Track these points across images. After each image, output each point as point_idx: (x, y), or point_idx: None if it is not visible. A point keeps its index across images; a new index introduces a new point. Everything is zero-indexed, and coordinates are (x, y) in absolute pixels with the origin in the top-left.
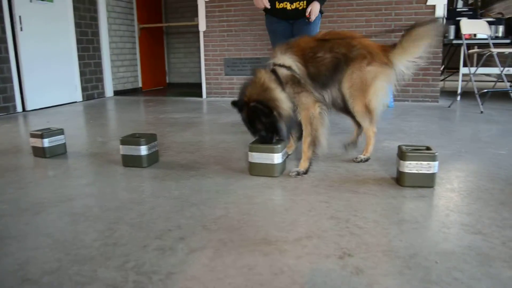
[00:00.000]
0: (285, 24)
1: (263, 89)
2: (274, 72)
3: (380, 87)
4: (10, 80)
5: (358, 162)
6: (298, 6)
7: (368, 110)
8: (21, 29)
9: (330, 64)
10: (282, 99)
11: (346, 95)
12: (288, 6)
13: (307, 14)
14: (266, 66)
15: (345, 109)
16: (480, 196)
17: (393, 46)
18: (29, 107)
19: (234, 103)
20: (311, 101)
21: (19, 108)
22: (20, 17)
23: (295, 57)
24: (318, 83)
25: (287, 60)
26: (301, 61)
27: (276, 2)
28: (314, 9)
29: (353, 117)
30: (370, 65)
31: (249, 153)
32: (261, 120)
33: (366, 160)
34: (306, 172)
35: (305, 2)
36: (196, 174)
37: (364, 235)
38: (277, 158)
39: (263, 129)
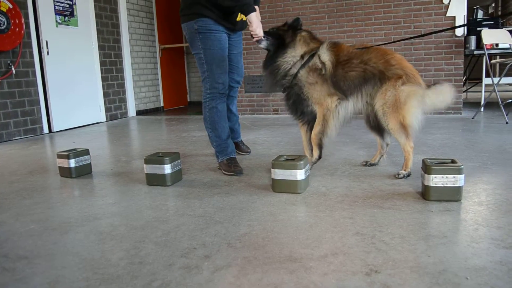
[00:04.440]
0: (227, 36)
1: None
2: (313, 54)
3: (414, 105)
4: (37, 102)
5: (401, 178)
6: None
7: (403, 126)
8: (48, 53)
9: (361, 74)
10: (296, 49)
11: (379, 112)
12: (244, 16)
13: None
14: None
15: (375, 127)
16: (510, 209)
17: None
18: (55, 128)
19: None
20: (323, 94)
21: (45, 129)
22: (46, 41)
23: (331, 57)
24: (339, 88)
25: (325, 56)
26: (334, 62)
27: (239, 13)
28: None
29: (381, 136)
30: (405, 85)
31: (272, 169)
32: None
33: (408, 175)
34: (319, 158)
35: None
36: (220, 191)
37: (391, 251)
38: (300, 174)
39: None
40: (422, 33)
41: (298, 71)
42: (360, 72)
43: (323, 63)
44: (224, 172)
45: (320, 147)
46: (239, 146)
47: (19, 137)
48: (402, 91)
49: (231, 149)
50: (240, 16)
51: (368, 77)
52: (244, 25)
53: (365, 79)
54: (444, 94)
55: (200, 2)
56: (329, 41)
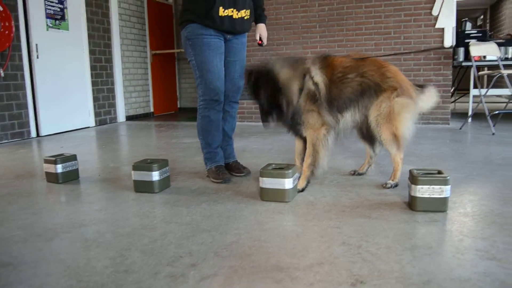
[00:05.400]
0: (220, 40)
1: (288, 76)
2: (304, 76)
3: (407, 117)
4: (25, 106)
5: (388, 188)
6: (244, 15)
7: (396, 137)
8: (37, 57)
9: (357, 88)
10: (295, 93)
11: (372, 123)
12: (235, 14)
13: (258, 40)
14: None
15: (366, 137)
16: (494, 220)
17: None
18: (43, 132)
19: (249, 69)
20: (319, 123)
21: (33, 133)
22: (36, 45)
23: (324, 77)
24: (335, 106)
25: (318, 77)
26: (327, 82)
27: (221, 7)
28: (265, 33)
29: (371, 145)
30: (399, 97)
31: (260, 178)
32: (268, 86)
33: (396, 185)
34: (302, 190)
35: (249, 11)
36: (207, 199)
37: (377, 262)
38: (288, 183)
39: (265, 98)
40: (412, 43)
41: (298, 101)
42: (357, 86)
43: (316, 84)
44: (212, 179)
45: (308, 180)
46: (231, 167)
47: (6, 141)
48: (396, 103)
49: (220, 156)
50: (223, 12)
51: (364, 90)
52: (236, 24)
53: (362, 92)
54: (433, 97)
55: (188, 9)
56: (318, 59)
